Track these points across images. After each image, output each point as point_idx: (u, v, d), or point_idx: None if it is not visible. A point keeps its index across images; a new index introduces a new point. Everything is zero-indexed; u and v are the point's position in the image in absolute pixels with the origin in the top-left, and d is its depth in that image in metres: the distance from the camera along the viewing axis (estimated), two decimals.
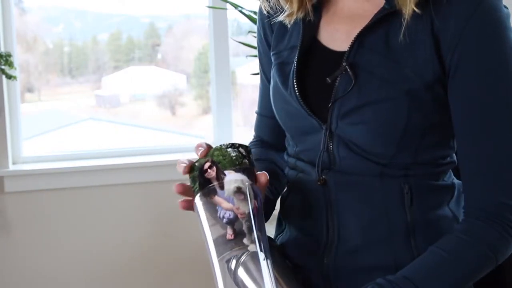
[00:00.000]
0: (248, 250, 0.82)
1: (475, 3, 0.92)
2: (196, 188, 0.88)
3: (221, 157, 0.89)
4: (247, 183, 0.88)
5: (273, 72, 1.09)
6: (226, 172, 0.87)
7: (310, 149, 1.04)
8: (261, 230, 0.85)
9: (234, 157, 0.90)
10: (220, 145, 0.91)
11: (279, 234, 1.14)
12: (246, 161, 0.91)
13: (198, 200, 0.87)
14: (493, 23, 0.93)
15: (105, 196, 2.55)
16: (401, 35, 0.95)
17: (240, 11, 2.25)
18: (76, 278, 2.54)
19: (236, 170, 0.88)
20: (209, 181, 0.87)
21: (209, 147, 0.93)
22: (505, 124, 0.94)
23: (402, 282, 0.90)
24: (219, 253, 0.82)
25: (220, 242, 0.82)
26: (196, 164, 0.90)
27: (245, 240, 0.82)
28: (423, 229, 0.99)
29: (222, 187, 0.86)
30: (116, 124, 3.02)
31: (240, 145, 0.92)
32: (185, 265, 2.60)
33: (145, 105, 3.06)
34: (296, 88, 1.02)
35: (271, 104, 1.13)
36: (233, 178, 0.87)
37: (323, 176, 1.02)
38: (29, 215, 2.49)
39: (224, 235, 0.83)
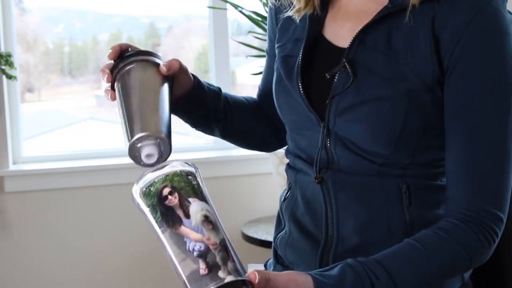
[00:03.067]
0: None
1: (478, 7, 0.92)
2: (159, 218, 0.81)
3: (182, 183, 0.82)
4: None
5: (277, 65, 1.09)
6: (190, 199, 0.81)
7: (309, 146, 1.04)
8: (236, 257, 0.80)
9: (195, 185, 0.83)
10: (179, 170, 0.84)
11: (278, 233, 1.14)
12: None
13: (161, 232, 0.81)
14: (494, 27, 0.93)
15: (105, 196, 2.54)
16: (402, 35, 0.96)
17: (240, 11, 2.25)
18: (76, 278, 2.54)
19: (200, 199, 0.82)
20: (171, 209, 0.81)
21: (123, 47, 0.98)
22: (493, 130, 0.94)
23: (372, 265, 0.89)
24: None
25: (195, 279, 0.77)
26: (152, 189, 0.83)
27: (220, 273, 0.77)
28: (422, 228, 0.98)
29: (187, 215, 0.80)
30: (116, 124, 3.02)
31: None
32: None
33: None
34: (299, 81, 1.02)
35: (264, 84, 1.18)
36: (199, 207, 0.81)
37: (320, 175, 1.02)
38: (29, 215, 2.49)
39: (197, 271, 0.77)
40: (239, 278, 0.78)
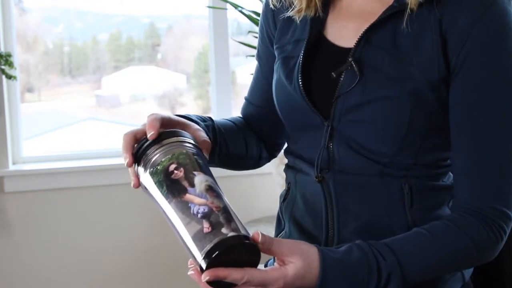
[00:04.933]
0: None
1: (485, 6, 0.92)
2: (165, 192, 0.85)
3: (188, 160, 0.86)
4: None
5: (277, 66, 1.09)
6: (194, 172, 0.85)
7: (310, 146, 1.04)
8: (239, 222, 0.83)
9: (201, 163, 0.87)
10: (185, 150, 0.87)
11: (279, 234, 1.14)
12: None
13: (167, 203, 0.84)
14: (501, 26, 0.93)
15: (105, 196, 2.54)
16: (408, 34, 0.96)
17: (240, 11, 2.25)
18: (76, 278, 2.54)
19: (205, 173, 0.86)
20: (177, 181, 0.85)
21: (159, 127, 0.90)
22: (501, 129, 0.94)
23: (380, 247, 0.90)
24: (200, 248, 0.80)
25: (199, 238, 0.80)
26: (159, 167, 0.86)
27: (223, 230, 0.80)
28: None
29: (191, 184, 0.84)
30: (116, 124, 3.02)
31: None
32: (185, 265, 2.59)
33: (145, 105, 3.06)
34: (300, 82, 1.02)
35: (260, 94, 1.15)
36: (204, 178, 0.85)
37: (321, 174, 1.02)
38: (29, 215, 2.49)
39: (201, 230, 0.80)
40: (242, 233, 0.81)
